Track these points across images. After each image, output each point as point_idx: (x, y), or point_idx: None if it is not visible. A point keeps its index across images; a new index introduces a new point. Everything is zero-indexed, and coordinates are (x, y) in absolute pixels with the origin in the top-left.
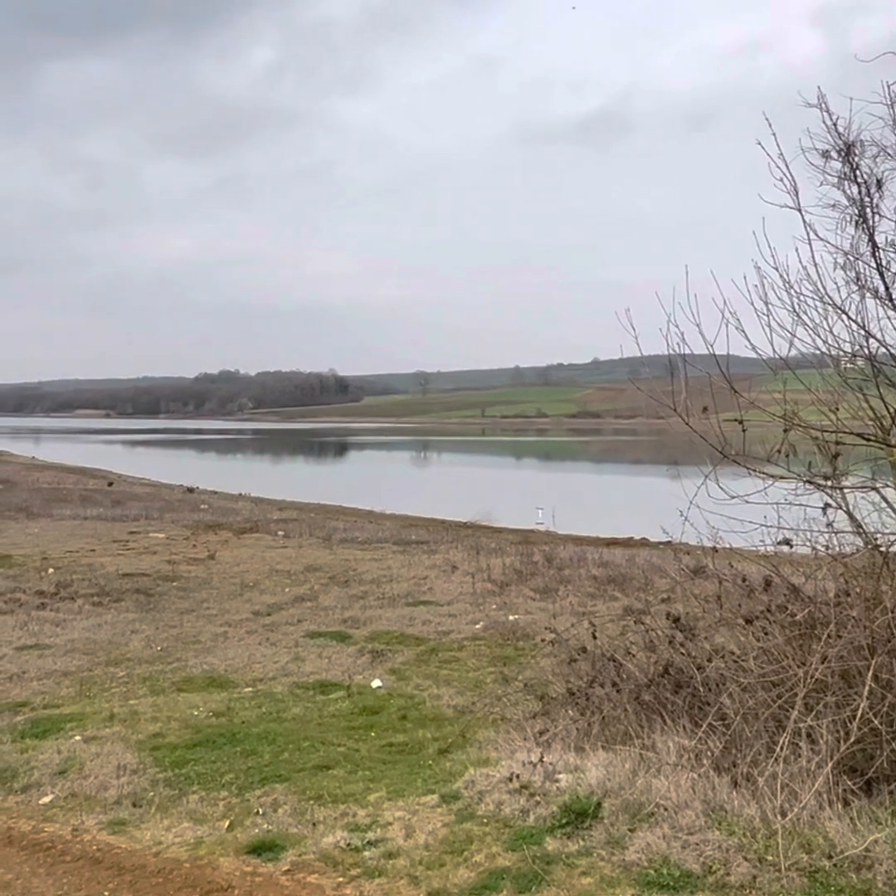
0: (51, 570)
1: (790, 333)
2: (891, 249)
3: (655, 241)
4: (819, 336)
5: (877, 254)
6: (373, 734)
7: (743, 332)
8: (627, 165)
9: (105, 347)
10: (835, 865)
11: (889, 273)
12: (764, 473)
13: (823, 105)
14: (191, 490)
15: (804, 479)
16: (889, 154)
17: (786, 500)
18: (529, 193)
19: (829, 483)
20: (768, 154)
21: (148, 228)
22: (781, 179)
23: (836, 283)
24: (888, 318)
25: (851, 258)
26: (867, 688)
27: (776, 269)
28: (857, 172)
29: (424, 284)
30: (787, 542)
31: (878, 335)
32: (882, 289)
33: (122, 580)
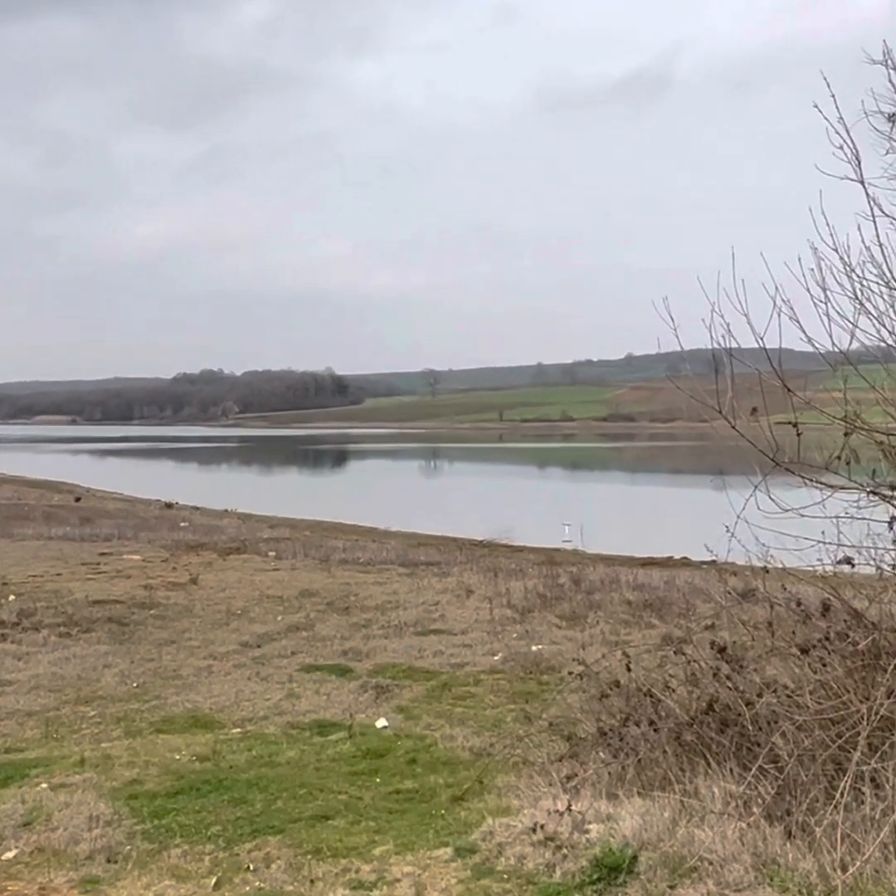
0: (11, 597)
1: (851, 323)
2: None
3: (696, 219)
4: (884, 326)
5: None
6: (378, 780)
7: (797, 322)
8: (665, 135)
9: (71, 345)
10: None
11: None
12: (821, 483)
13: (890, 61)
14: (169, 505)
15: (868, 489)
16: None
17: (846, 513)
18: (554, 167)
19: None
20: (826, 118)
21: (121, 209)
22: (841, 147)
23: None
24: None
25: None
26: None
27: (835, 251)
28: None
29: (435, 271)
30: (848, 560)
31: None
32: None
33: (93, 608)
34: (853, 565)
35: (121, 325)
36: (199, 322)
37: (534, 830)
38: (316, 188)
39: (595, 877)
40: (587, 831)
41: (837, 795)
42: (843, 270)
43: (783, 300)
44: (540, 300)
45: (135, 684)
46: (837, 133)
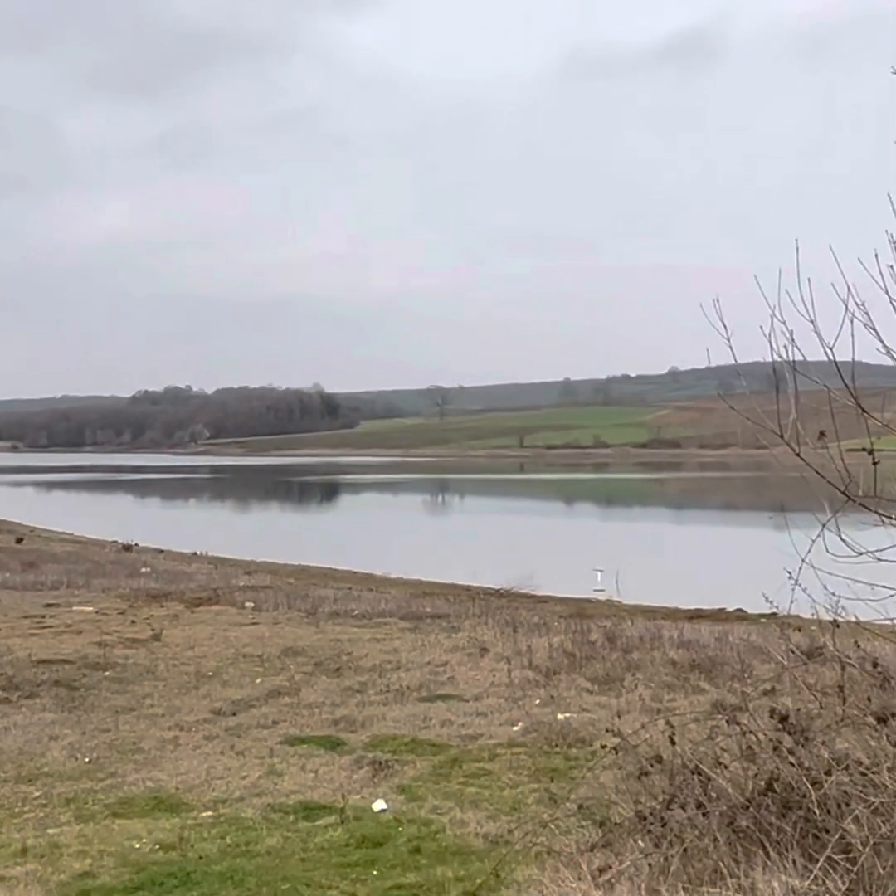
0: None
1: None
2: None
3: (755, 206)
4: None
5: None
6: (375, 873)
7: (874, 330)
8: (718, 108)
9: (8, 358)
10: None
11: None
12: None
13: None
14: (128, 547)
15: None
16: None
17: None
18: (586, 146)
19: None
20: None
21: (70, 197)
22: None
23: None
24: None
25: None
26: None
27: None
28: None
29: (444, 272)
30: None
31: None
32: None
33: (37, 669)
34: None
35: (69, 334)
36: (162, 331)
37: None
38: (302, 174)
39: None
40: None
41: None
42: None
43: (857, 304)
44: (567, 305)
45: (87, 759)
46: None
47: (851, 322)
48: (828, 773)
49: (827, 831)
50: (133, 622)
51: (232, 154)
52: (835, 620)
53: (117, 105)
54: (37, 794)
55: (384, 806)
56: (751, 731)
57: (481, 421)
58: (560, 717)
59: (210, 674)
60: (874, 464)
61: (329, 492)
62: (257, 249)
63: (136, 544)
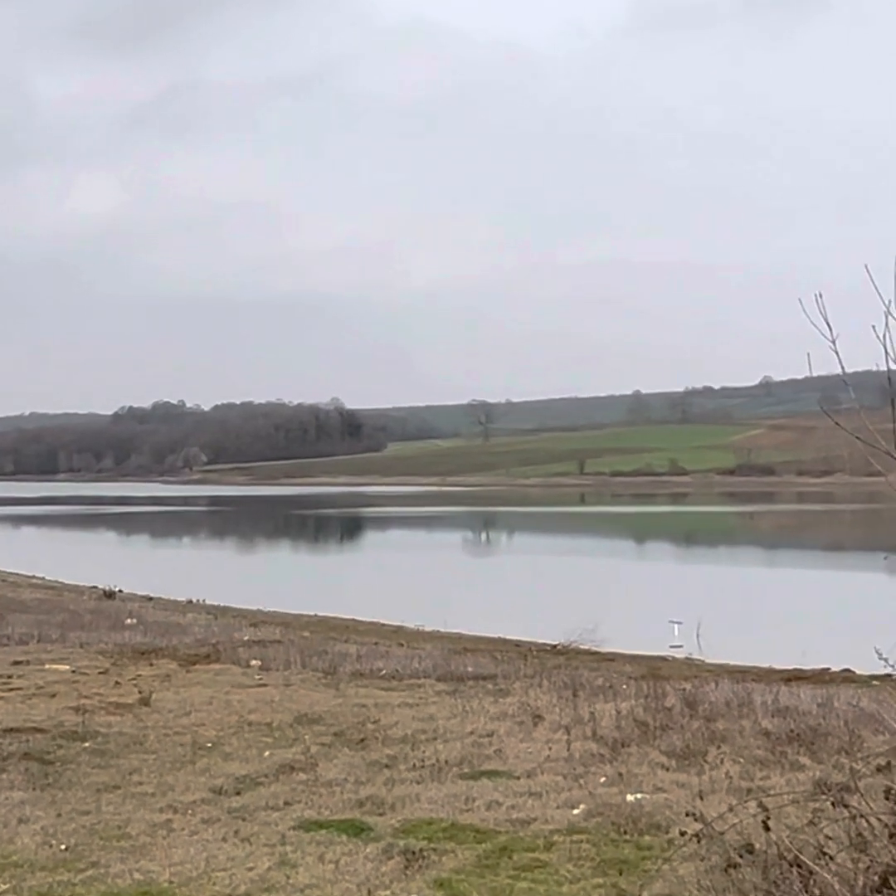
0: None
1: None
2: None
3: (867, 184)
4: None
5: None
6: None
7: None
8: (816, 66)
9: None
10: None
11: None
12: None
13: None
14: (110, 594)
15: None
16: None
17: None
18: (648, 112)
19: None
20: None
21: (38, 174)
22: None
23: None
24: None
25: None
26: None
27: None
28: None
29: (488, 264)
30: None
31: None
32: None
33: (3, 739)
34: None
35: (36, 340)
36: (149, 336)
37: None
38: (317, 146)
39: None
40: None
41: None
42: None
43: None
44: (635, 304)
45: (63, 846)
46: None
47: None
48: None
49: None
50: (117, 683)
51: (235, 122)
52: None
53: (98, 64)
54: (3, 887)
55: None
56: (861, 815)
57: (533, 443)
58: (630, 798)
59: (209, 745)
60: None
61: (351, 528)
62: (264, 238)
63: (120, 591)
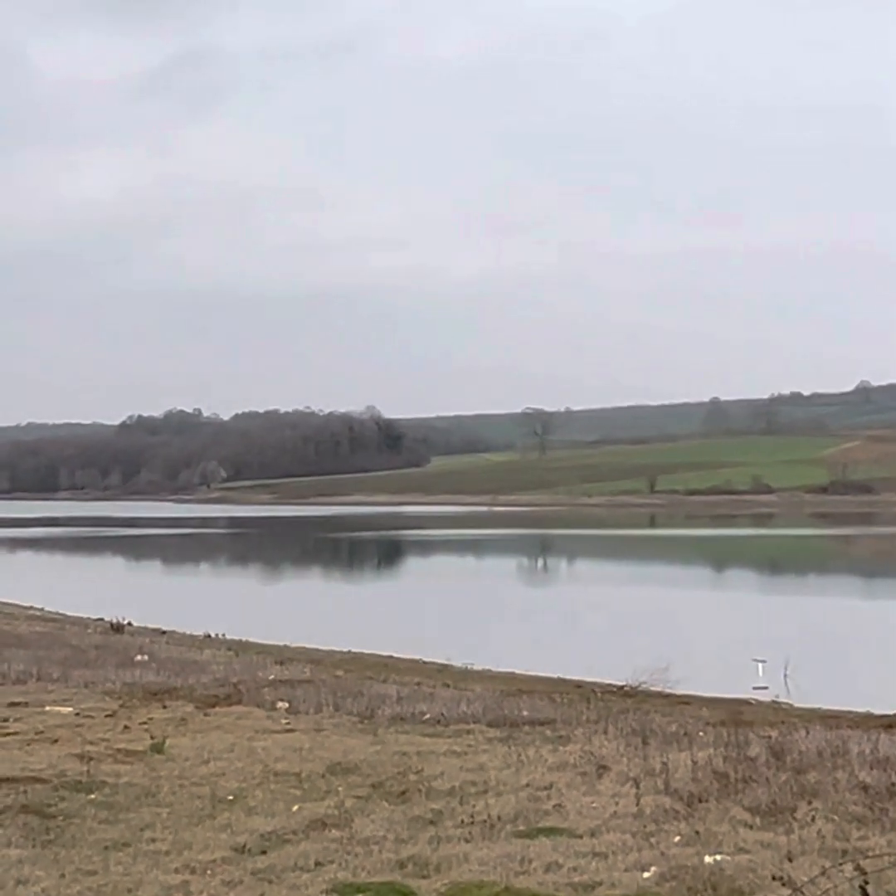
0: None
1: None
2: None
3: None
4: None
5: None
6: None
7: None
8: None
9: None
10: None
11: None
12: None
13: None
14: (118, 628)
15: None
16: None
17: None
18: (733, 74)
19: None
20: None
21: (39, 154)
22: None
23: None
24: None
25: None
26: None
27: None
28: None
29: (545, 253)
30: None
31: None
32: None
33: None
34: None
35: (35, 341)
36: (161, 337)
37: None
38: (349, 118)
39: None
40: None
41: None
42: None
43: None
44: (715, 296)
45: None
46: None
47: None
48: None
49: None
50: (126, 728)
51: (259, 94)
52: None
53: (103, 28)
54: None
55: None
56: None
57: (596, 457)
58: (708, 859)
59: (230, 798)
60: None
61: (389, 553)
62: (291, 226)
63: (130, 624)
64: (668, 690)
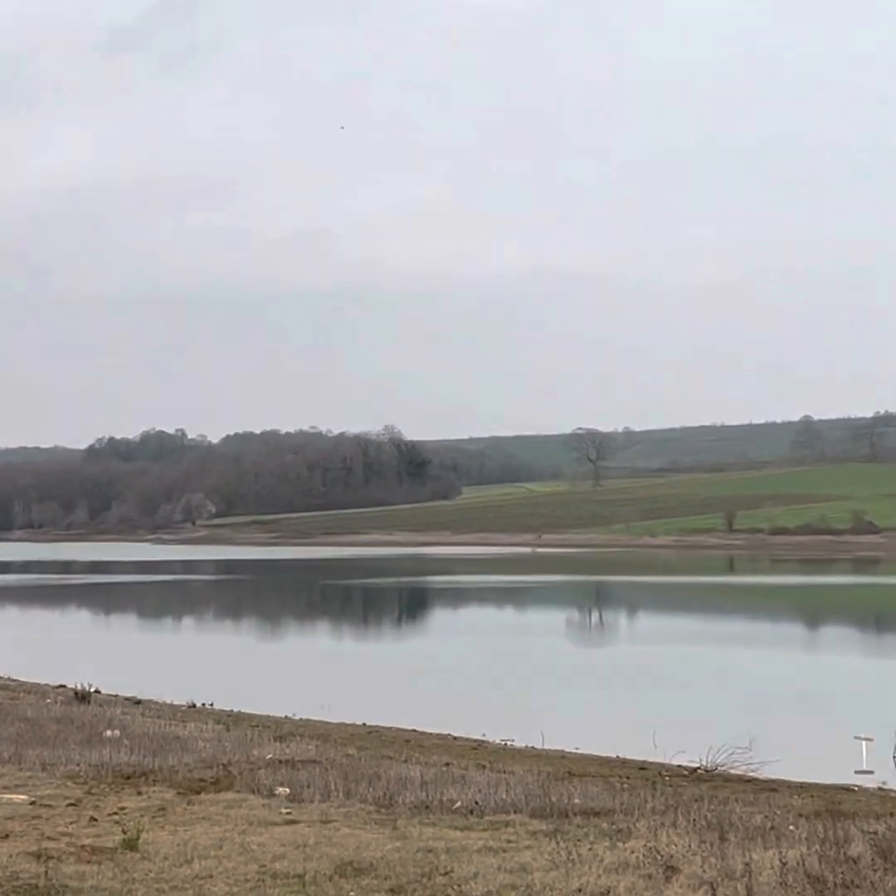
0: None
1: None
2: None
3: None
4: None
5: None
6: None
7: None
8: None
9: None
10: None
11: None
12: None
13: None
14: (84, 696)
15: None
16: None
17: None
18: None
19: None
20: None
21: None
22: None
23: None
24: None
25: None
26: None
27: None
28: None
29: (597, 242)
30: None
31: None
32: None
33: None
34: None
35: None
36: (135, 346)
37: None
38: (362, 88)
39: None
40: None
41: None
42: None
43: None
44: (805, 297)
45: None
46: None
47: None
48: None
49: None
50: (92, 820)
51: (256, 59)
52: None
53: None
54: None
55: None
56: None
57: (662, 488)
58: None
59: None
60: None
61: (412, 604)
62: (290, 209)
63: (97, 691)
64: (751, 774)
